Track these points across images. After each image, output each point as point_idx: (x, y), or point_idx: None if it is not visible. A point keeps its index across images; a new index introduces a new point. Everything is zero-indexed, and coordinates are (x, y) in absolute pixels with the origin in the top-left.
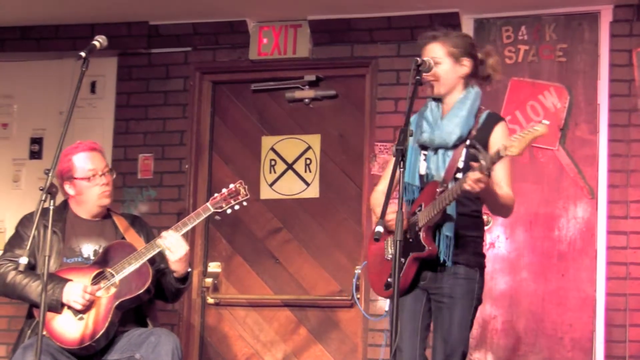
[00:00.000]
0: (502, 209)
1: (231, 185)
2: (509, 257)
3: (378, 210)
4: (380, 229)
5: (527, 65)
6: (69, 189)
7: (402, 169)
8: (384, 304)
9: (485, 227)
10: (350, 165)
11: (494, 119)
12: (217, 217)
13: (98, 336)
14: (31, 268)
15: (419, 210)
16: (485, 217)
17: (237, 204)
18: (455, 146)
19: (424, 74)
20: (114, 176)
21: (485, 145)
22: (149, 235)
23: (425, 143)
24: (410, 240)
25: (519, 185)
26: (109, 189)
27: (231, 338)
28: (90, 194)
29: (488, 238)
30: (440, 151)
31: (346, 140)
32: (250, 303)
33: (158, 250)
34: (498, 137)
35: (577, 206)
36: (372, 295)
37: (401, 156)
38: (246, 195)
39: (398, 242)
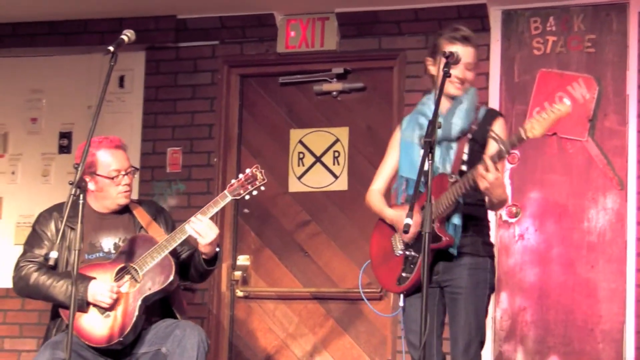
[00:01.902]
0: (501, 204)
1: (247, 171)
2: (538, 249)
3: (379, 207)
4: (409, 221)
5: (556, 56)
6: (89, 183)
7: (430, 161)
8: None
9: (514, 219)
10: (378, 157)
11: (493, 114)
12: (246, 210)
13: (126, 333)
14: (52, 267)
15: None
16: (514, 209)
17: (255, 189)
18: (457, 139)
19: (455, 75)
20: (136, 175)
21: (485, 140)
22: (167, 222)
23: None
24: (422, 232)
25: (548, 176)
26: (130, 189)
27: (260, 331)
28: (111, 192)
29: (517, 230)
30: (444, 144)
31: (374, 132)
32: (279, 296)
33: (183, 238)
34: (498, 132)
35: (607, 197)
36: None
37: (430, 148)
38: (263, 179)
39: (427, 234)
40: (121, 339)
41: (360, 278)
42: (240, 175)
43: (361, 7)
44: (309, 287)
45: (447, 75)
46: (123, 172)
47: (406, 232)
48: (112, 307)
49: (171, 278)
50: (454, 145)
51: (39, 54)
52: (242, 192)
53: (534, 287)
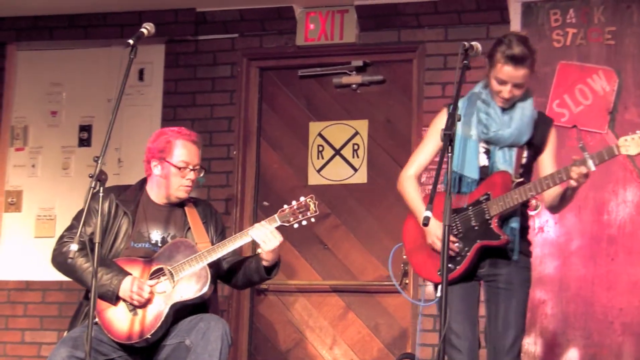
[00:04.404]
0: (566, 204)
1: (302, 199)
2: (558, 242)
3: (413, 197)
4: (428, 213)
5: (576, 48)
6: (155, 167)
7: (450, 154)
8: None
9: (534, 212)
10: (397, 150)
11: (547, 121)
12: (265, 203)
13: (147, 336)
14: (92, 249)
15: (485, 199)
16: (534, 202)
17: (305, 219)
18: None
19: (501, 96)
20: (201, 174)
21: (543, 145)
22: (217, 227)
23: (495, 140)
24: (476, 227)
25: None
26: (191, 185)
27: (280, 324)
28: (174, 182)
29: (537, 222)
30: (506, 148)
31: (394, 125)
32: (299, 289)
33: (227, 251)
34: (554, 141)
35: (627, 190)
36: (421, 280)
37: (449, 141)
38: (315, 212)
39: (447, 226)
40: (149, 336)
41: (390, 267)
42: (294, 203)
43: None
44: (329, 279)
45: (466, 68)
46: (191, 167)
47: (425, 224)
48: (140, 306)
49: (204, 290)
50: (515, 150)
51: (59, 47)
52: (291, 219)
53: (553, 279)
